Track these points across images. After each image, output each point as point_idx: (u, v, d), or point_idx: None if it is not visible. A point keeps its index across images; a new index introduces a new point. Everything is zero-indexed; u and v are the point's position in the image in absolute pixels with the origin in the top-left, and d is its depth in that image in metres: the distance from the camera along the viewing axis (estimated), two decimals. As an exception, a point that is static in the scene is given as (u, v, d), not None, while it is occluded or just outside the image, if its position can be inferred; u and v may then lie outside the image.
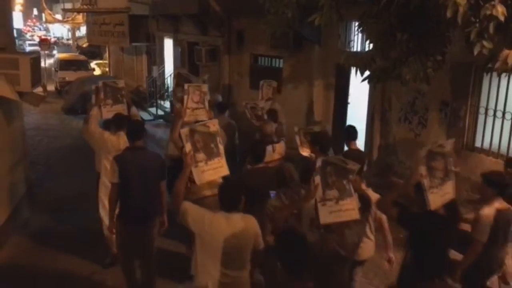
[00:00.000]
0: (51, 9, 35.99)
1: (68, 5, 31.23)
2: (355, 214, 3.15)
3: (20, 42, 32.70)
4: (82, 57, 21.76)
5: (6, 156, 6.32)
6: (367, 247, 3.88)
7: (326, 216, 3.09)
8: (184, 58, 14.48)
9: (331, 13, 4.87)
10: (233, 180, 3.62)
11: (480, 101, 6.07)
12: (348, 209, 3.13)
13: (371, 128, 7.86)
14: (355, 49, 7.93)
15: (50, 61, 22.91)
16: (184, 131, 3.59)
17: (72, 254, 5.56)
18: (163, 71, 16.72)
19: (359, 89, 8.19)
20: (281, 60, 10.21)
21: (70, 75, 17.82)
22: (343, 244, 3.14)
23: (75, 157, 8.90)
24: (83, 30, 31.21)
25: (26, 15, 53.27)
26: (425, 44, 4.63)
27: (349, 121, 8.69)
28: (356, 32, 7.67)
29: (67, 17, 31.18)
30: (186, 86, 5.30)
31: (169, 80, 15.84)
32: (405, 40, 4.69)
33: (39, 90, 7.33)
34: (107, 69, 22.99)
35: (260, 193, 3.78)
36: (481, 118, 6.10)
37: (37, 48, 22.26)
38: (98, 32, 18.21)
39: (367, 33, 5.02)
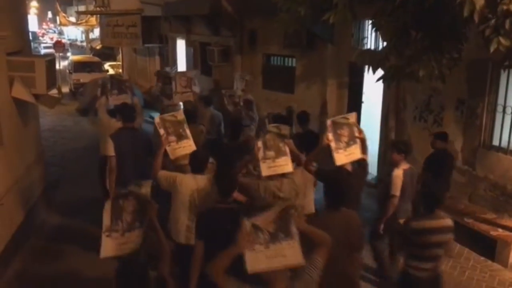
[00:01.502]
0: (65, 12, 36.37)
1: (82, 8, 31.52)
2: (288, 168, 4.08)
3: (35, 45, 33.12)
4: (95, 59, 21.94)
5: (23, 157, 6.40)
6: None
7: (266, 170, 4.04)
8: (196, 58, 14.51)
9: (345, 11, 4.83)
10: (200, 151, 4.44)
11: (497, 98, 5.96)
12: (283, 164, 4.06)
13: (385, 127, 7.79)
14: (368, 47, 7.86)
15: (64, 63, 23.15)
16: (156, 119, 4.72)
17: (88, 254, 5.61)
18: (176, 72, 16.77)
19: (373, 88, 8.12)
20: (294, 59, 10.17)
21: (84, 77, 17.96)
22: (281, 189, 4.06)
23: (90, 158, 8.94)
24: (96, 32, 31.48)
25: (41, 18, 53.92)
26: (440, 41, 4.56)
27: (363, 120, 8.59)
28: (370, 31, 7.62)
29: (81, 20, 31.48)
30: (173, 74, 6.03)
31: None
32: (420, 38, 4.63)
33: (54, 92, 7.41)
34: (120, 71, 23.15)
35: (231, 160, 4.57)
36: (498, 116, 5.99)
37: (51, 50, 22.50)
38: (111, 34, 18.31)
39: (382, 31, 4.96)
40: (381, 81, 5.24)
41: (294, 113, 6.36)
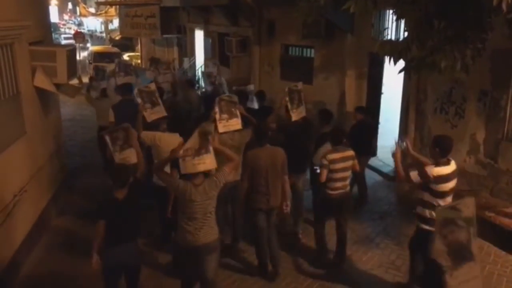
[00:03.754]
0: (85, 3, 36.75)
1: (101, -1, 31.85)
2: (238, 126, 5.23)
3: (56, 36, 33.55)
4: (115, 50, 22.15)
5: (45, 146, 6.52)
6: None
7: (222, 128, 5.11)
8: (214, 49, 14.52)
9: (366, 0, 4.75)
10: (174, 117, 5.80)
11: (522, 90, 5.82)
12: (234, 124, 5.20)
13: (405, 119, 7.68)
14: (389, 38, 7.74)
15: (84, 54, 23.42)
16: (135, 91, 5.91)
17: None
18: (194, 63, 16.83)
19: (393, 79, 8.01)
20: (313, 50, 10.10)
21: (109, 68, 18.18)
22: (233, 139, 5.18)
23: (109, 148, 9.09)
24: (115, 23, 31.74)
25: (61, 9, 54.56)
26: (464, 31, 4.45)
27: (383, 112, 8.52)
28: (391, 21, 7.49)
29: (100, 10, 31.77)
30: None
31: (200, 72, 15.94)
32: (443, 27, 4.53)
33: (74, 82, 7.55)
34: (139, 61, 23.33)
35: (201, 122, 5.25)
36: (523, 108, 5.85)
37: (72, 41, 22.78)
38: (130, 25, 18.49)
39: (404, 21, 4.87)
40: (402, 72, 5.15)
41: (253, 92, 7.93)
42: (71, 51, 6.63)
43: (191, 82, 8.87)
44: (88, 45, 29.08)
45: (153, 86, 5.87)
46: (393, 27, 7.55)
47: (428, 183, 4.10)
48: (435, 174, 4.06)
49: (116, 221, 3.80)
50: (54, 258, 5.50)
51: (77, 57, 12.00)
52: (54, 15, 40.86)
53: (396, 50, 4.96)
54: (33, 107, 6.08)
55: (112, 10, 28.10)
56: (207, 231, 3.87)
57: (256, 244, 5.03)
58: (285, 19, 10.27)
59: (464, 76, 5.73)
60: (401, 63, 5.05)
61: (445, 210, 3.60)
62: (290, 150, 5.01)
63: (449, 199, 4.17)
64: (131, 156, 4.76)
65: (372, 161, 7.94)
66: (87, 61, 21.17)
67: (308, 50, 10.33)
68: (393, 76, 7.61)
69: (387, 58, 5.10)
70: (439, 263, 3.24)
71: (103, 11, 30.65)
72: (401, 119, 7.84)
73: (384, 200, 7.09)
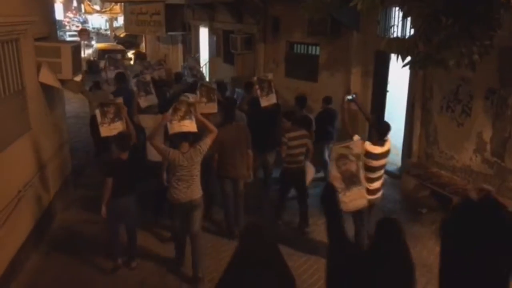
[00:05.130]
0: (90, 0, 36.76)
1: (106, -4, 31.85)
2: (215, 110, 6.09)
3: (61, 33, 33.58)
4: (119, 47, 22.19)
5: (50, 141, 6.53)
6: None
7: (200, 109, 5.35)
8: (219, 46, 14.49)
9: (373, -3, 4.71)
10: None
11: (530, 88, 5.76)
12: (211, 107, 6.10)
13: (411, 117, 7.63)
14: (395, 35, 7.69)
15: (89, 51, 23.44)
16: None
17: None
18: (199, 60, 16.78)
19: (399, 77, 7.96)
20: (318, 47, 10.05)
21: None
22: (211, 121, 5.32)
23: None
24: (120, 21, 31.75)
25: (66, 7, 54.61)
26: (471, 28, 4.40)
27: (388, 110, 8.47)
28: (397, 18, 7.44)
29: (105, 8, 31.77)
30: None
31: (205, 69, 15.91)
32: (450, 24, 4.48)
33: (79, 78, 7.60)
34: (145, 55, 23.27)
35: None
36: (531, 106, 5.79)
37: (76, 38, 22.82)
38: (135, 22, 18.46)
39: (412, 17, 4.82)
40: (407, 67, 5.10)
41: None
42: (76, 47, 6.62)
43: (178, 76, 9.80)
44: (93, 42, 29.12)
45: (148, 77, 6.67)
46: (400, 24, 7.49)
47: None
48: (368, 150, 4.80)
49: (120, 177, 4.78)
50: (59, 253, 5.51)
51: (82, 55, 12.02)
52: (59, 13, 40.88)
53: (403, 47, 4.92)
54: (38, 103, 6.08)
55: (117, 8, 28.09)
56: (193, 190, 4.75)
57: (224, 208, 5.91)
58: (290, 16, 10.22)
59: (470, 74, 5.70)
60: (408, 60, 5.01)
61: (340, 148, 4.61)
62: (260, 131, 6.10)
63: (378, 173, 4.99)
64: (120, 127, 5.35)
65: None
66: (91, 58, 21.21)
67: (314, 47, 10.29)
68: (398, 74, 7.58)
69: (394, 56, 5.06)
70: (335, 186, 4.06)
71: (108, 9, 30.64)
72: (407, 117, 7.79)
73: (388, 197, 7.05)
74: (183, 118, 4.80)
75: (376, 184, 5.05)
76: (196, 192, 4.77)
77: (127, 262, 5.16)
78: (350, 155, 4.52)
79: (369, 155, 4.79)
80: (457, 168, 6.76)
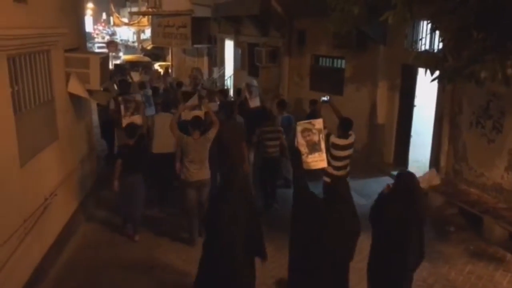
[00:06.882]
0: (118, 13, 37.61)
1: (135, 9, 32.51)
2: (215, 108, 7.32)
3: (90, 45, 34.43)
4: (146, 59, 22.52)
5: (76, 151, 6.62)
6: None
7: (204, 108, 6.82)
8: (244, 59, 14.56)
9: (404, 11, 4.63)
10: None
11: None
12: (213, 107, 7.02)
13: (438, 133, 7.46)
14: (423, 49, 7.56)
15: (116, 62, 23.90)
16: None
17: (133, 247, 5.80)
18: (224, 72, 16.92)
19: (426, 91, 7.81)
20: (343, 61, 9.98)
21: (135, 76, 18.49)
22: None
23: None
24: (147, 33, 32.30)
25: (95, 19, 56.04)
26: (504, 41, 4.28)
27: (415, 125, 8.29)
28: (425, 31, 7.32)
29: (133, 20, 32.42)
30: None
31: (229, 81, 16.00)
32: (482, 38, 4.37)
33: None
34: (169, 71, 23.59)
35: None
36: None
37: (105, 50, 23.31)
38: (162, 34, 18.75)
39: (442, 31, 4.72)
40: (436, 81, 4.99)
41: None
42: (104, 59, 6.74)
43: (179, 84, 11.07)
44: (121, 54, 29.70)
45: (138, 97, 7.23)
46: (428, 38, 7.37)
47: (329, 149, 5.74)
48: (333, 142, 5.79)
49: (129, 158, 5.70)
50: (81, 262, 5.53)
51: (110, 66, 12.26)
52: (88, 25, 41.99)
53: (432, 61, 4.82)
54: (66, 113, 6.19)
55: (145, 20, 28.59)
56: (203, 171, 5.69)
57: None
58: (316, 29, 10.20)
59: (501, 89, 5.54)
60: (437, 74, 4.90)
61: (304, 124, 5.63)
62: (248, 128, 6.94)
63: (343, 162, 5.90)
64: (138, 120, 6.74)
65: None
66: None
67: (339, 61, 10.22)
68: (426, 88, 7.42)
69: (422, 70, 4.96)
70: (300, 150, 5.29)
71: (136, 21, 31.23)
72: (434, 132, 7.61)
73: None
74: (193, 108, 6.73)
75: (342, 172, 5.91)
76: (205, 173, 5.72)
77: (132, 236, 5.99)
78: (313, 129, 5.58)
79: (334, 146, 5.81)
80: (487, 186, 6.54)
